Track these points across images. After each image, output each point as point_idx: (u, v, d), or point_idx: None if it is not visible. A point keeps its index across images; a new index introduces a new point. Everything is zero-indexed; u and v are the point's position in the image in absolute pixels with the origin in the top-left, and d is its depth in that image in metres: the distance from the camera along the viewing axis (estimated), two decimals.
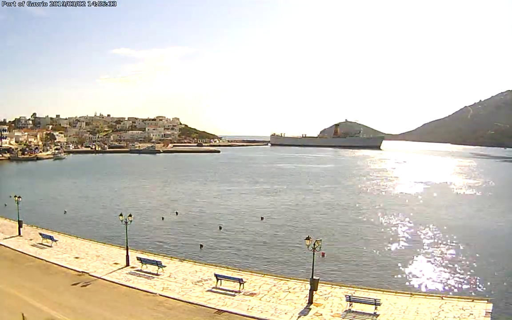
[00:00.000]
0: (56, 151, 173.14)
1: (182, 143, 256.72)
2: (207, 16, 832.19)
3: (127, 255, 29.63)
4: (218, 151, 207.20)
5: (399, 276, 30.33)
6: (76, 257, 31.19)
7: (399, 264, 33.04)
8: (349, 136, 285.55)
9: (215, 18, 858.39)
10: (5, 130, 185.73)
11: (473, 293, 25.48)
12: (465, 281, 29.11)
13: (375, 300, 21.51)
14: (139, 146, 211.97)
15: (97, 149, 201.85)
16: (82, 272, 27.78)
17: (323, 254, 32.66)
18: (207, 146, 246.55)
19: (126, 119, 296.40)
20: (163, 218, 49.99)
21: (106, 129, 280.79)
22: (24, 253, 32.14)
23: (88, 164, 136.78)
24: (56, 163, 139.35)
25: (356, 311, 21.38)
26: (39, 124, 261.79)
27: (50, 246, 33.90)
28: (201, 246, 37.97)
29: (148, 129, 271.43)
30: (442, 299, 22.71)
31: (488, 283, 28.59)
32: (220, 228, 45.05)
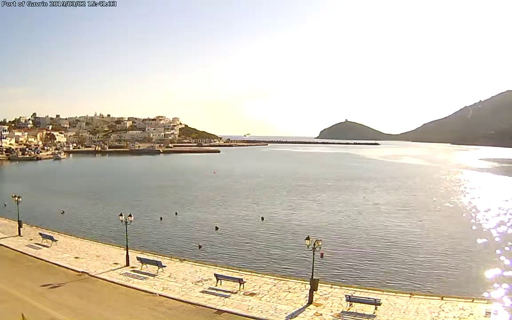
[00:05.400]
0: (56, 151, 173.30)
1: (182, 143, 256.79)
2: (206, 18, 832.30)
3: (127, 255, 29.61)
4: (219, 151, 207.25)
5: (399, 276, 30.27)
6: (76, 257, 31.18)
7: (399, 264, 32.98)
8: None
9: (212, 22, 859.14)
10: (5, 130, 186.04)
11: (473, 293, 25.43)
12: (465, 281, 29.06)
13: (375, 300, 21.48)
14: (139, 146, 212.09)
15: (97, 149, 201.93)
16: (82, 272, 27.76)
17: (322, 255, 32.57)
18: (207, 146, 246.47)
19: (126, 119, 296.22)
20: (161, 219, 49.87)
21: (106, 129, 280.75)
22: (24, 253, 32.14)
23: (88, 165, 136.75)
24: (56, 163, 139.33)
25: (356, 311, 21.36)
26: (39, 124, 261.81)
27: (50, 246, 33.89)
28: (200, 246, 37.87)
29: (148, 129, 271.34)
30: (442, 299, 22.67)
31: (488, 283, 28.55)
32: (217, 228, 44.76)
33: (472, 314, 20.56)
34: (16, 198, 38.87)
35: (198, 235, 42.39)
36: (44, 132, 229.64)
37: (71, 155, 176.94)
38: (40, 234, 36.60)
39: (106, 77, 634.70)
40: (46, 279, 26.29)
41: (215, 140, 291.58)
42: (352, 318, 20.71)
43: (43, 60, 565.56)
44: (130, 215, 30.33)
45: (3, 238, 36.50)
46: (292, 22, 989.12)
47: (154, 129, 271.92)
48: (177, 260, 31.02)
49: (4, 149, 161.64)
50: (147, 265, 28.72)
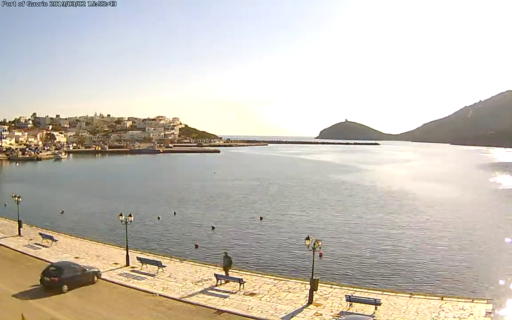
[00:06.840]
0: (56, 151, 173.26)
1: (182, 143, 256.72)
2: (206, 19, 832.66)
3: (127, 255, 29.60)
4: (219, 151, 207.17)
5: (399, 276, 30.28)
6: (76, 257, 31.12)
7: (399, 264, 32.98)
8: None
9: (212, 23, 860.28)
10: (5, 130, 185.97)
11: (473, 293, 25.43)
12: (465, 281, 29.05)
13: (375, 300, 21.47)
14: (139, 146, 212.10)
15: (97, 149, 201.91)
16: None
17: (320, 255, 32.49)
18: (207, 146, 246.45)
19: (126, 119, 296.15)
20: (159, 218, 49.86)
21: (106, 129, 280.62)
22: (24, 253, 32.10)
23: (88, 165, 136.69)
24: (56, 164, 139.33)
25: (356, 311, 21.30)
26: (39, 124, 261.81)
27: (50, 246, 33.87)
28: (196, 246, 37.84)
29: (148, 129, 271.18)
30: (442, 299, 22.67)
31: (488, 283, 28.55)
32: (213, 228, 44.79)
33: (472, 314, 20.54)
34: (16, 198, 38.83)
35: (196, 235, 42.39)
36: (44, 132, 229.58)
37: (71, 155, 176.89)
38: (40, 234, 36.57)
39: (106, 77, 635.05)
40: None
41: (215, 140, 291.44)
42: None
43: (43, 60, 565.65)
44: (130, 215, 30.31)
45: (3, 238, 36.47)
46: (293, 25, 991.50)
47: (154, 129, 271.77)
48: (177, 260, 31.02)
49: (4, 149, 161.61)
50: (147, 265, 28.71)
